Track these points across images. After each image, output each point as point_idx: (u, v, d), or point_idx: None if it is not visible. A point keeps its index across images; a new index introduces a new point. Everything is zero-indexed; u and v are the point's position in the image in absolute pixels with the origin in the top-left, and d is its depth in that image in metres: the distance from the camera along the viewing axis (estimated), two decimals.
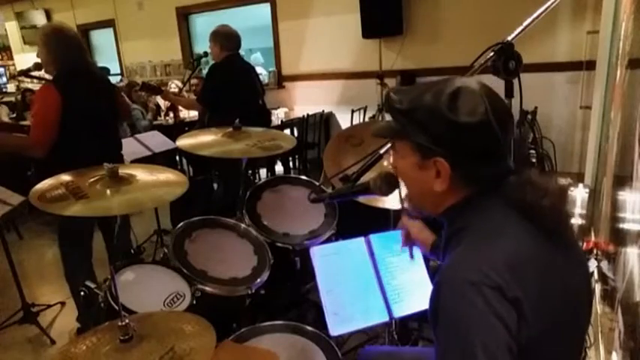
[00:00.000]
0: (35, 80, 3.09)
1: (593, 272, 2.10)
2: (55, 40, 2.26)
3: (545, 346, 0.80)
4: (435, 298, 0.81)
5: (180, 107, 5.57)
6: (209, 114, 3.40)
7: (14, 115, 6.36)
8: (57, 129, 2.17)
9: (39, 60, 2.40)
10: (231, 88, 3.25)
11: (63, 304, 2.92)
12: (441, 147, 0.85)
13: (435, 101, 0.84)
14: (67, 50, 2.27)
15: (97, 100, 2.36)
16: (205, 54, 3.67)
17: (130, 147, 3.35)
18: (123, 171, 1.74)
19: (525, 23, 1.19)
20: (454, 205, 0.91)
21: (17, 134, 2.53)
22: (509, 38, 1.15)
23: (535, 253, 0.82)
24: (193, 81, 5.06)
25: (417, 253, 1.43)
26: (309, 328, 1.61)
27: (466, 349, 0.73)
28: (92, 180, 1.70)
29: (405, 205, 1.05)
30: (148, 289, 1.69)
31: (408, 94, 0.90)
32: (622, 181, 1.76)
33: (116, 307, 1.21)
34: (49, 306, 2.88)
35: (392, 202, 1.61)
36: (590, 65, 3.98)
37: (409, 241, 1.40)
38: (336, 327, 1.41)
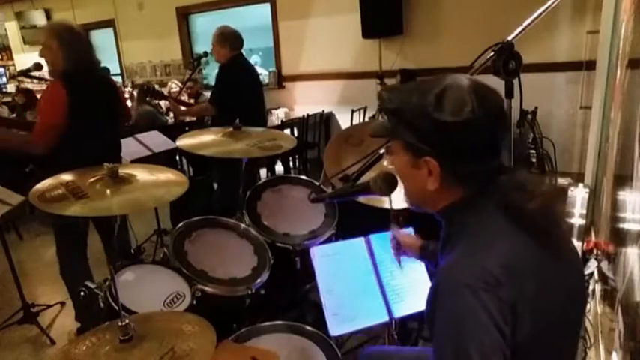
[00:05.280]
0: (35, 80, 3.08)
1: (593, 272, 2.10)
2: (67, 37, 2.23)
3: (539, 346, 0.81)
4: (432, 299, 0.83)
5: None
6: (217, 114, 3.37)
7: (14, 116, 6.36)
8: (61, 127, 2.16)
9: (39, 60, 2.39)
10: (242, 89, 3.24)
11: (63, 304, 2.92)
12: (429, 146, 0.85)
13: (422, 100, 0.84)
14: (77, 48, 2.25)
15: (102, 99, 2.36)
16: (205, 54, 3.66)
17: (130, 147, 3.34)
18: (123, 171, 1.74)
19: (525, 23, 1.19)
20: (451, 205, 0.91)
21: (18, 131, 2.52)
22: (509, 38, 1.16)
23: (528, 255, 0.82)
24: (188, 83, 5.01)
25: (406, 261, 1.50)
26: (309, 328, 1.62)
27: (461, 349, 0.74)
28: (92, 180, 1.70)
29: (406, 204, 1.04)
30: (148, 289, 1.69)
31: (399, 92, 0.90)
32: (622, 181, 1.76)
33: (116, 307, 1.21)
34: (49, 306, 2.88)
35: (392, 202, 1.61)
36: (590, 65, 3.97)
37: (399, 251, 1.47)
38: (336, 327, 1.41)
